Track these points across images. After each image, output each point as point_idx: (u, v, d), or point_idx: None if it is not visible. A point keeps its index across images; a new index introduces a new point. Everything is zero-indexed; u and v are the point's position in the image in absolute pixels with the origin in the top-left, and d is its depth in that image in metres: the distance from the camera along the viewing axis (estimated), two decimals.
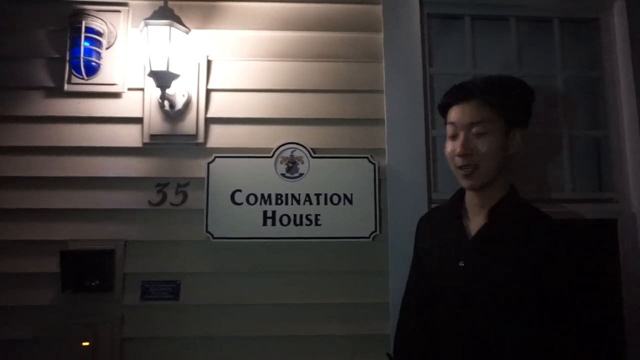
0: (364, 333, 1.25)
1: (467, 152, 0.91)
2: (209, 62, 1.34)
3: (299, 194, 1.28)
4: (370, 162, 1.30)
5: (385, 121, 1.33)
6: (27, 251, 1.25)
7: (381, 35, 1.37)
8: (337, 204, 1.28)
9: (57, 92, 1.30)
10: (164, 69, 1.19)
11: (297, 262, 1.27)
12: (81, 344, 1.18)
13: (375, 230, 1.27)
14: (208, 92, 1.33)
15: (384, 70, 1.36)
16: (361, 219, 1.27)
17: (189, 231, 1.28)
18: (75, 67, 1.23)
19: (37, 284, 1.24)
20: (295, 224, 1.26)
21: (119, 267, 1.24)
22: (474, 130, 0.92)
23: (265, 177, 1.28)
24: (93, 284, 1.20)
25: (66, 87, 1.28)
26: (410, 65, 1.36)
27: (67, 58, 1.27)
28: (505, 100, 0.94)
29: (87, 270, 1.21)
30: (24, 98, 1.30)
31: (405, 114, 1.34)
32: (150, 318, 1.25)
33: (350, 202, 1.28)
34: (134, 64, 1.33)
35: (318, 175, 1.29)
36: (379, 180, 1.30)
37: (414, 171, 1.31)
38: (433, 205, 1.29)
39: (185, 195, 1.29)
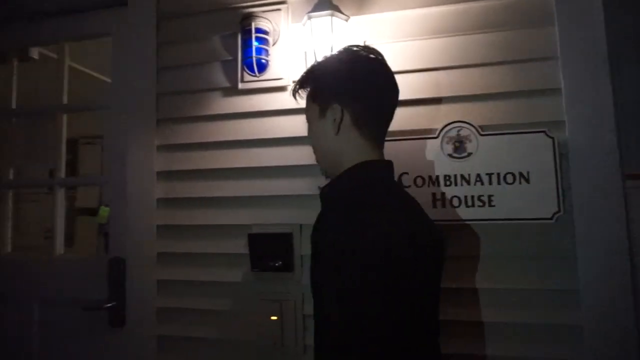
0: (548, 322, 1.17)
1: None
2: None
3: (469, 175, 1.23)
4: (548, 136, 1.19)
5: (563, 90, 1.20)
6: (221, 234, 1.42)
7: None
8: (512, 183, 1.20)
9: (233, 90, 1.43)
10: None
11: (471, 245, 1.24)
12: (270, 317, 1.31)
13: (559, 211, 1.16)
14: None
15: (557, 34, 1.22)
16: (541, 199, 1.18)
17: None
18: (249, 66, 1.34)
19: (230, 263, 1.40)
20: (467, 206, 1.22)
21: (296, 249, 1.34)
22: None
23: (431, 158, 1.26)
24: (276, 264, 1.32)
25: (240, 85, 1.40)
26: (589, 24, 1.20)
27: (240, 58, 1.39)
28: (314, 85, 0.92)
29: (270, 251, 1.33)
30: (205, 99, 1.46)
31: (586, 80, 1.19)
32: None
33: (527, 180, 1.19)
34: (295, 58, 1.39)
35: (488, 154, 1.22)
36: (560, 155, 1.18)
37: (601, 143, 1.16)
38: (629, 182, 1.14)
39: None
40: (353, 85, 0.89)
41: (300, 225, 1.35)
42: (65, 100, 1.70)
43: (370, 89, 0.90)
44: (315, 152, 0.96)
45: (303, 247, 1.34)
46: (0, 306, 1.65)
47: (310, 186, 1.35)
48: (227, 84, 1.44)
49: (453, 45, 1.29)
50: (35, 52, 1.84)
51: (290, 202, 1.37)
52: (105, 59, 1.67)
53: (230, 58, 1.44)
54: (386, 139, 1.26)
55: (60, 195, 1.71)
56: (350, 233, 0.74)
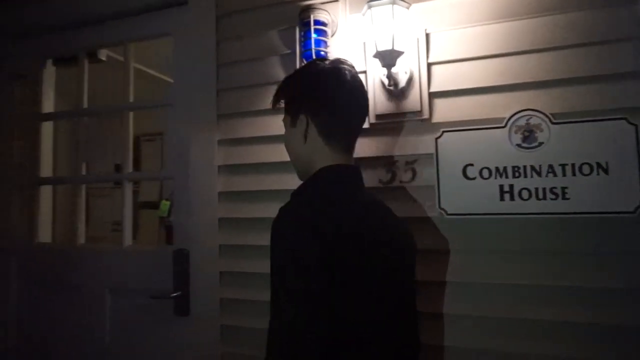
0: (631, 324, 1.09)
1: None
2: (427, 36, 1.31)
3: (540, 166, 1.17)
4: (630, 123, 1.10)
5: None
6: None
7: None
8: (588, 174, 1.13)
9: None
10: (389, 47, 1.20)
11: (541, 240, 1.17)
12: None
13: None
14: (429, 66, 1.30)
15: None
16: (621, 191, 1.10)
17: (420, 208, 1.29)
18: (308, 59, 1.34)
19: None
20: (538, 198, 1.16)
21: None
22: None
23: (498, 148, 1.20)
24: None
25: None
26: None
27: (299, 51, 1.39)
28: (285, 97, 1.02)
29: None
30: (264, 93, 1.48)
31: None
32: None
33: (606, 171, 1.11)
34: (354, 49, 1.38)
35: (561, 144, 1.15)
36: None
37: None
38: None
39: (414, 172, 1.30)
40: (316, 98, 0.97)
41: None
42: (131, 99, 1.78)
43: (333, 100, 0.96)
44: (289, 155, 1.04)
45: None
46: (76, 294, 1.77)
47: (370, 179, 1.34)
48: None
49: (521, 28, 1.23)
50: (103, 54, 1.94)
51: None
52: (165, 59, 1.73)
53: (288, 51, 1.45)
54: (449, 129, 1.25)
55: (128, 189, 1.79)
56: (283, 219, 0.85)
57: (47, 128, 1.97)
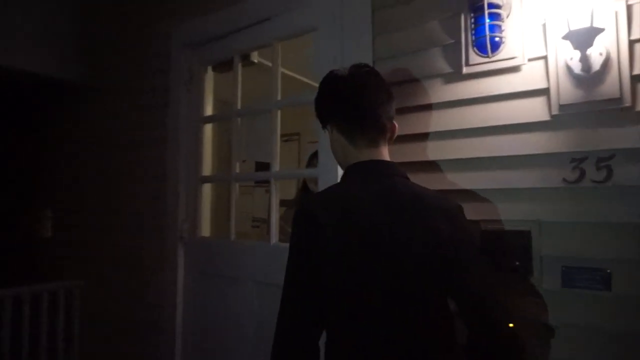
0: None
1: None
2: (628, 8, 1.10)
3: None
4: None
5: None
6: None
7: None
8: None
9: (455, 76, 1.33)
10: (586, 25, 1.04)
11: None
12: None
13: None
14: (631, 44, 1.10)
15: None
16: None
17: (615, 212, 1.10)
18: (480, 46, 1.23)
19: None
20: None
21: (535, 250, 1.18)
22: None
23: None
24: (513, 266, 1.18)
25: (464, 69, 1.30)
26: None
27: (465, 40, 1.29)
28: (315, 109, 1.13)
29: (504, 251, 1.20)
30: (423, 88, 1.40)
31: None
32: (573, 306, 1.14)
33: None
34: (530, 32, 1.23)
35: None
36: None
37: None
38: None
39: (610, 170, 1.11)
40: (329, 107, 1.09)
41: (540, 223, 1.18)
42: (279, 97, 1.83)
43: (343, 105, 1.06)
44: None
45: (544, 248, 1.18)
46: (228, 285, 1.89)
47: (550, 178, 1.18)
48: (448, 70, 1.35)
49: None
50: (255, 56, 2.03)
51: (526, 196, 1.22)
52: (310, 60, 1.75)
53: (451, 41, 1.35)
54: None
55: (275, 187, 1.84)
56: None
57: (207, 130, 2.14)
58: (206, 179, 2.11)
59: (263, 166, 2.97)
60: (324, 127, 1.13)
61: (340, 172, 1.50)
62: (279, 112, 1.85)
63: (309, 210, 0.97)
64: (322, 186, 1.63)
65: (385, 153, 1.08)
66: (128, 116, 2.49)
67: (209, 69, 2.15)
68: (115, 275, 2.45)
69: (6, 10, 2.50)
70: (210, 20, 2.02)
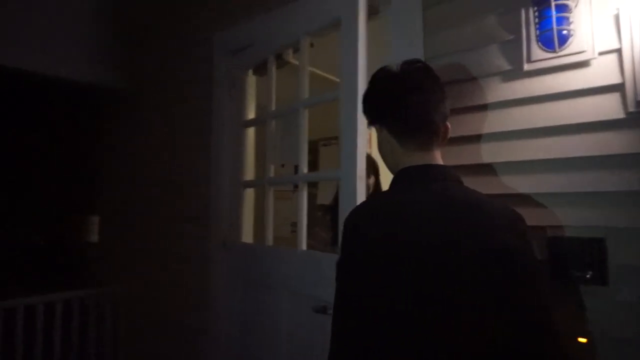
0: None
1: None
2: None
3: None
4: None
5: None
6: None
7: None
8: None
9: (514, 74, 1.26)
10: None
11: None
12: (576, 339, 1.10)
13: None
14: None
15: None
16: None
17: None
18: (546, 41, 1.15)
19: None
20: None
21: (610, 258, 1.09)
22: None
23: None
24: (586, 275, 1.09)
25: (525, 66, 1.23)
26: None
27: (526, 35, 1.21)
28: (364, 108, 1.06)
29: (574, 259, 1.12)
30: (478, 87, 1.33)
31: None
32: None
33: None
34: (601, 24, 1.14)
35: None
36: None
37: None
38: None
39: None
40: (378, 106, 1.03)
41: (613, 229, 1.09)
42: (306, 95, 1.74)
43: (392, 105, 0.98)
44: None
45: (617, 256, 1.09)
46: (263, 293, 1.84)
47: (624, 181, 1.09)
48: (506, 67, 1.28)
49: None
50: (290, 56, 1.97)
51: (597, 200, 1.13)
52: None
53: (510, 37, 1.27)
54: None
55: (304, 191, 1.73)
56: None
57: (250, 134, 2.13)
58: (248, 184, 2.09)
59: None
60: (372, 124, 1.06)
61: (360, 174, 1.44)
62: (306, 111, 1.74)
63: (351, 222, 0.94)
64: (342, 191, 1.53)
65: (438, 156, 0.99)
66: (172, 122, 2.52)
67: (250, 72, 2.14)
68: (159, 280, 2.48)
69: (49, 22, 2.58)
70: (251, 25, 2.01)
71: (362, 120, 1.43)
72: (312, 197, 3.19)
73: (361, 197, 1.46)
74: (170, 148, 2.50)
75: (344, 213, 1.37)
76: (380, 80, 1.03)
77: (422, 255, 0.83)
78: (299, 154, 1.74)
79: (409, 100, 0.97)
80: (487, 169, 1.30)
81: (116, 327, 2.65)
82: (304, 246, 1.71)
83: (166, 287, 2.42)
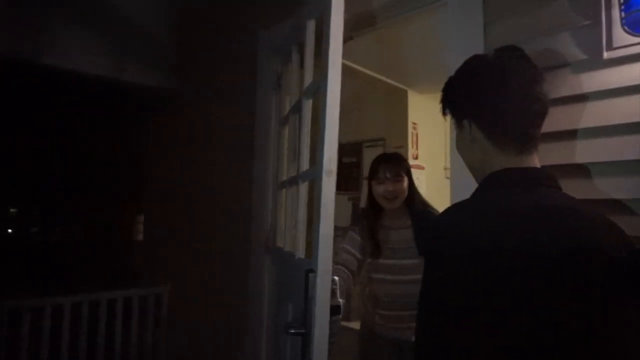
0: None
1: None
2: None
3: None
4: None
5: None
6: None
7: None
8: None
9: (591, 63, 1.11)
10: None
11: None
12: None
13: None
14: None
15: None
16: None
17: None
18: (634, 24, 1.00)
19: None
20: None
21: None
22: None
23: None
24: None
25: (605, 54, 1.07)
26: None
27: (616, 18, 1.06)
28: (446, 100, 0.94)
29: None
30: (550, 78, 1.18)
31: None
32: None
33: None
34: None
35: None
36: None
37: None
38: None
39: None
40: (475, 100, 0.87)
41: None
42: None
43: (494, 101, 0.84)
44: (463, 160, 0.95)
45: None
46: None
47: None
48: (581, 57, 1.13)
49: None
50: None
51: None
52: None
53: (586, 23, 1.12)
54: None
55: (303, 189, 1.53)
56: None
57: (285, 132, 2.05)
58: (282, 185, 2.01)
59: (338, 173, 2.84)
60: (457, 120, 0.92)
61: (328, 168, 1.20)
62: (309, 102, 1.54)
63: (440, 233, 0.79)
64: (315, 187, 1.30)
65: (537, 159, 0.85)
66: (217, 122, 2.51)
67: (290, 69, 2.06)
68: (200, 279, 2.46)
69: (117, 30, 2.65)
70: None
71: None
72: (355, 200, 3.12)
73: (329, 193, 1.23)
74: (216, 147, 2.48)
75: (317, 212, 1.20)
76: (473, 69, 0.89)
77: (551, 271, 0.70)
78: (301, 149, 1.56)
79: (511, 94, 0.83)
80: (561, 171, 1.15)
81: (159, 325, 2.66)
82: (301, 253, 1.52)
83: (207, 286, 2.40)
